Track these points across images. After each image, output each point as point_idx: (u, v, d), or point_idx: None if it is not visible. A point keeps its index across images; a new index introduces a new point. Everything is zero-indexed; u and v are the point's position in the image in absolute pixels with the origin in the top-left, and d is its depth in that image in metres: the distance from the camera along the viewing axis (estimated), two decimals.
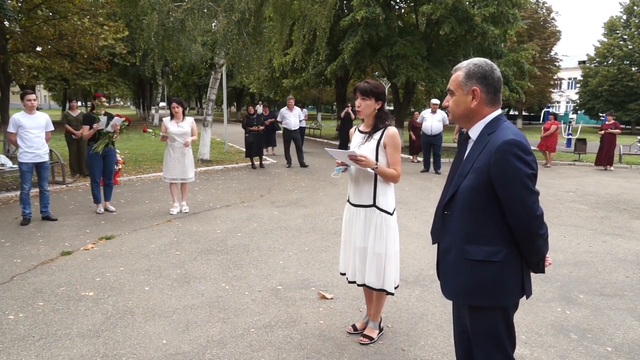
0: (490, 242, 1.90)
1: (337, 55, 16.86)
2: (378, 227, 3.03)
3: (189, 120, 6.86)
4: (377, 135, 3.05)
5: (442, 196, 2.14)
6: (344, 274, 3.31)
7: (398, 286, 3.22)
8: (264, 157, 12.95)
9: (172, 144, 6.74)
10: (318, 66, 18.36)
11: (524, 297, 1.99)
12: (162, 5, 10.38)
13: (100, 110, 6.74)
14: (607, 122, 13.22)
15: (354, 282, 3.21)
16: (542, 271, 1.98)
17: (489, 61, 1.98)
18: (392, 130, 3.05)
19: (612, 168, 13.03)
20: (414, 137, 13.65)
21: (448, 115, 2.12)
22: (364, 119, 3.13)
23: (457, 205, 1.98)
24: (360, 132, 3.17)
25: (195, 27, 10.90)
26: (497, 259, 1.89)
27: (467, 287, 1.96)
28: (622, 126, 12.91)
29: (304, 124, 13.92)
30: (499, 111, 2.00)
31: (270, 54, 14.64)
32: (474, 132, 2.00)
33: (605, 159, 12.95)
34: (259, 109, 15.87)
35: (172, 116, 6.79)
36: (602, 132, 12.99)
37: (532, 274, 2.02)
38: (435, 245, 2.22)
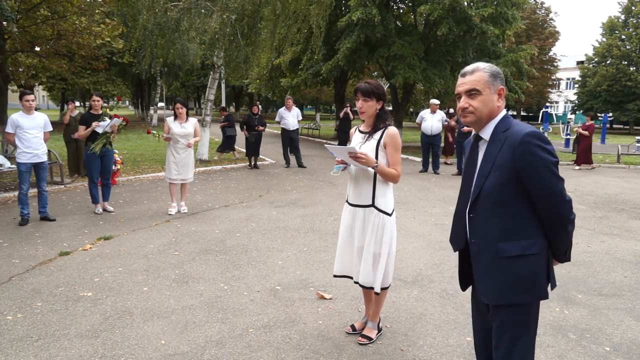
0: (526, 236, 1.93)
1: (334, 55, 16.88)
2: (375, 227, 3.03)
3: (193, 122, 6.85)
4: (377, 135, 3.04)
5: (460, 201, 2.16)
6: (337, 276, 3.29)
7: (389, 286, 3.21)
8: (233, 153, 12.90)
9: (174, 145, 6.73)
10: (316, 66, 18.39)
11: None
12: (158, 5, 10.37)
13: (109, 112, 6.73)
14: (585, 123, 13.27)
15: (345, 276, 3.22)
16: (569, 259, 2.03)
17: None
18: (392, 130, 3.04)
19: (582, 167, 12.95)
20: (450, 138, 13.33)
21: (460, 118, 2.11)
22: (365, 120, 3.13)
23: (483, 205, 1.99)
24: (361, 132, 3.17)
25: (191, 27, 10.90)
26: (534, 251, 1.93)
27: (506, 285, 1.97)
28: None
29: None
30: (505, 110, 2.08)
31: (268, 54, 14.65)
32: (486, 132, 2.03)
33: (581, 158, 12.97)
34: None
35: (176, 116, 6.79)
36: (577, 130, 13.16)
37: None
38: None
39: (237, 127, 13.04)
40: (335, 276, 3.31)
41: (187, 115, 6.86)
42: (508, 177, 1.91)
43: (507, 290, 1.96)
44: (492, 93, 2.00)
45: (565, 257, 2.02)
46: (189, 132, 6.74)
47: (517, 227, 1.94)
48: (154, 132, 7.26)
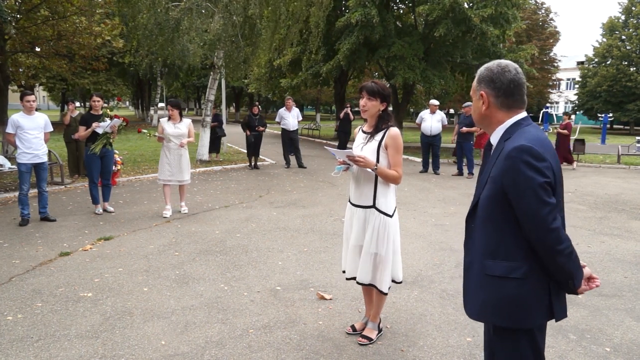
0: (510, 257, 1.77)
1: (334, 55, 16.89)
2: (376, 228, 3.03)
3: (186, 122, 6.81)
4: (378, 136, 3.04)
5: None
6: (345, 272, 3.31)
7: (401, 282, 3.27)
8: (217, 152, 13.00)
9: (167, 145, 6.69)
10: (316, 66, 18.40)
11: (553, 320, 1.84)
12: (159, 5, 10.38)
13: (109, 112, 6.73)
14: (563, 122, 13.32)
15: (352, 279, 3.22)
16: (574, 292, 1.79)
17: (503, 62, 1.88)
18: (394, 131, 3.04)
19: (573, 167, 12.96)
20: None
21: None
22: (367, 119, 3.13)
23: (478, 217, 1.88)
24: (364, 132, 3.17)
25: (191, 27, 10.90)
26: (517, 275, 1.75)
27: (487, 305, 1.83)
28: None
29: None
30: (520, 115, 1.87)
31: (268, 54, 14.66)
32: (494, 138, 1.90)
33: (561, 158, 13.00)
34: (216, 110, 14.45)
35: (170, 117, 6.77)
36: (556, 131, 13.24)
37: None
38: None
39: (225, 128, 13.06)
40: (344, 272, 3.32)
41: (181, 115, 6.81)
42: (497, 192, 1.76)
43: (487, 309, 1.83)
44: (477, 99, 1.91)
45: (568, 288, 1.79)
46: (182, 133, 6.70)
47: (503, 247, 1.78)
48: (145, 130, 7.22)
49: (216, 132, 13.08)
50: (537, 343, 1.84)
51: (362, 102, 3.05)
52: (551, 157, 1.73)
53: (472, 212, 1.93)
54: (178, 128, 6.71)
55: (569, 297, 4.16)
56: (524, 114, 1.89)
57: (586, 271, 1.84)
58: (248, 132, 11.73)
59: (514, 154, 1.70)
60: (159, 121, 7.05)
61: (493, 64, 1.90)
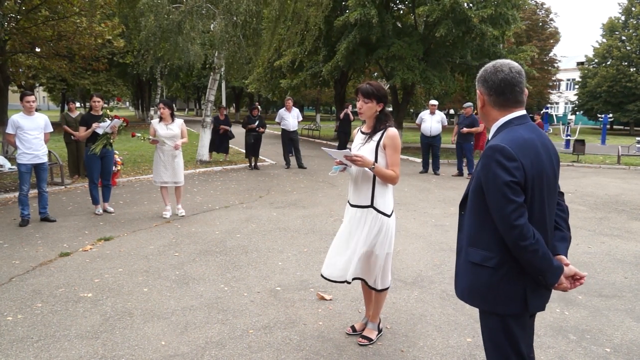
0: (486, 247, 1.90)
1: (334, 56, 16.89)
2: (373, 227, 3.03)
3: (178, 123, 6.72)
4: (376, 137, 3.05)
5: None
6: (325, 277, 3.15)
7: (389, 287, 3.21)
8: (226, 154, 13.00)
9: (161, 147, 6.63)
10: (315, 67, 18.38)
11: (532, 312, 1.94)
12: (160, 7, 10.38)
13: (109, 112, 6.71)
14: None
15: (342, 282, 3.10)
16: (547, 288, 1.90)
17: (499, 62, 1.94)
18: (392, 131, 3.05)
19: None
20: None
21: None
22: (366, 120, 3.14)
23: (467, 207, 2.03)
24: (362, 133, 3.18)
25: (193, 29, 10.91)
26: (490, 264, 1.89)
27: (468, 288, 1.99)
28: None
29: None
30: (515, 114, 1.93)
31: (267, 54, 14.67)
32: (490, 135, 2.03)
33: None
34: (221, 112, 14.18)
35: (161, 118, 6.70)
36: None
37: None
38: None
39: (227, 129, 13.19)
40: (322, 275, 3.17)
41: (173, 116, 6.74)
42: (479, 186, 1.89)
43: (468, 291, 2.00)
44: (477, 98, 2.03)
45: (541, 284, 1.86)
46: (175, 134, 6.62)
47: (482, 236, 1.91)
48: (138, 134, 7.09)
49: (227, 135, 13.05)
50: (512, 332, 1.92)
51: (358, 104, 3.06)
52: (526, 158, 1.79)
53: (464, 202, 2.06)
54: (170, 129, 6.62)
55: (569, 298, 4.16)
56: (519, 112, 1.95)
57: (569, 269, 1.89)
58: (248, 125, 11.66)
59: (488, 152, 1.83)
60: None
61: (490, 64, 1.98)
